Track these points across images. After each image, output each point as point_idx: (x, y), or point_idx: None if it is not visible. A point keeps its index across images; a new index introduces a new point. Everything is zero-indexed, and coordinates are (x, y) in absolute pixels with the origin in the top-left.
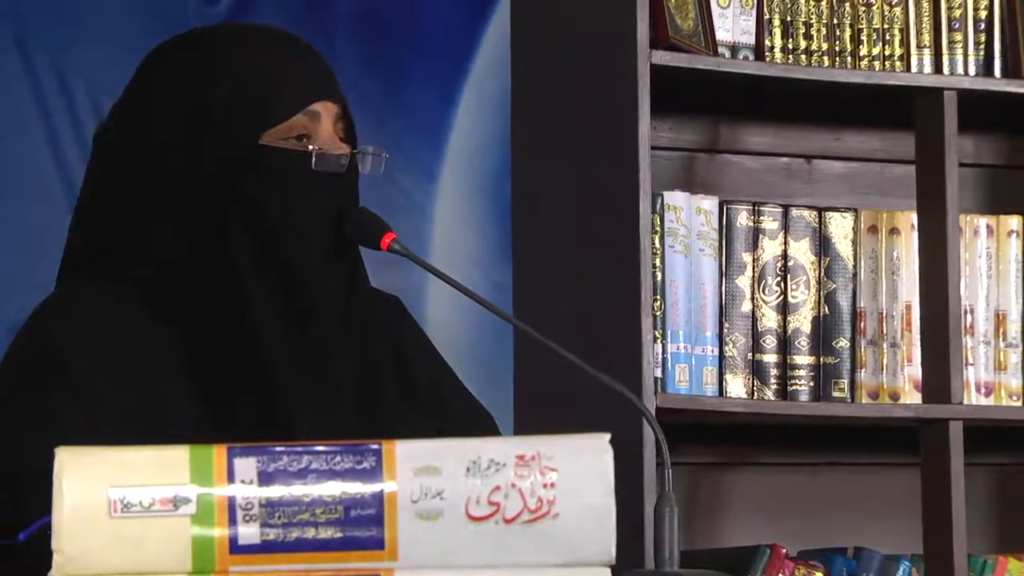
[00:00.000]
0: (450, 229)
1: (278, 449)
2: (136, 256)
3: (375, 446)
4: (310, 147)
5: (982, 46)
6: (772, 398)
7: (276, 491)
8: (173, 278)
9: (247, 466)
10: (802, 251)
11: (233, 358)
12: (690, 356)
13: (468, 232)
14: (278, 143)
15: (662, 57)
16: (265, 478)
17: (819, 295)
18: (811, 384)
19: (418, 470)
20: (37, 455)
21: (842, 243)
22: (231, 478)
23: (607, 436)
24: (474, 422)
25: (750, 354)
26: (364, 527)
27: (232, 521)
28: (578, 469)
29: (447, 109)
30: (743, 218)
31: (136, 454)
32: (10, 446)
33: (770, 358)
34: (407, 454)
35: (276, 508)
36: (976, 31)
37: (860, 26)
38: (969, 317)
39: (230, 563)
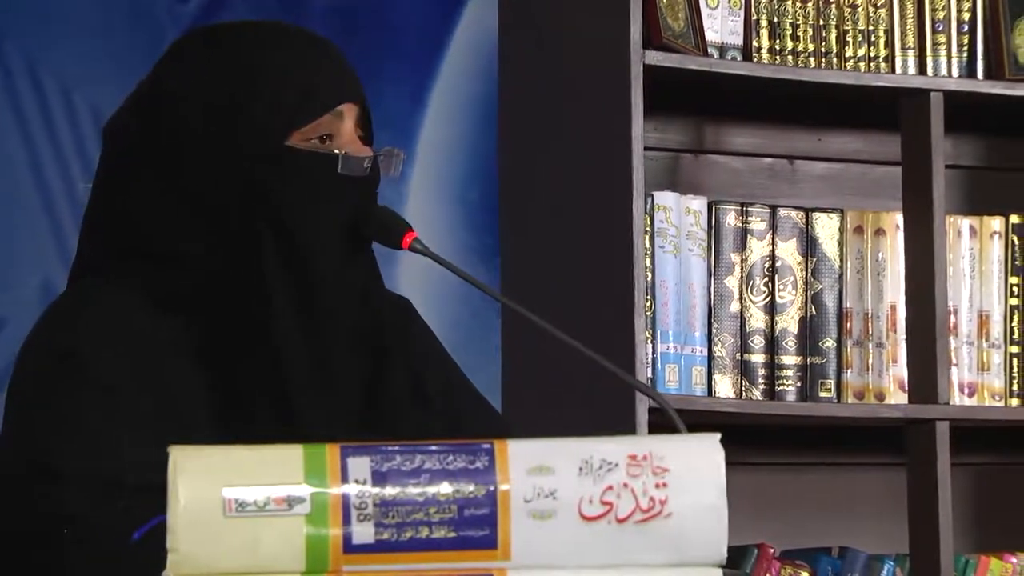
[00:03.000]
0: (419, 228)
1: (391, 448)
2: (153, 256)
3: (487, 445)
4: (336, 151)
5: (965, 48)
6: (760, 398)
7: (390, 490)
8: (191, 278)
9: (360, 465)
10: (789, 251)
11: (250, 358)
12: (679, 356)
13: (438, 231)
14: (303, 144)
15: (655, 57)
16: (379, 478)
17: (806, 295)
18: (798, 384)
19: (531, 470)
20: (59, 455)
21: (828, 244)
22: (345, 477)
23: (718, 436)
24: (488, 425)
25: (738, 354)
26: (477, 527)
27: (346, 521)
28: (690, 469)
29: (417, 108)
30: (731, 218)
31: (249, 453)
32: (33, 446)
33: (758, 358)
34: (520, 454)
35: (390, 507)
36: (959, 33)
37: (846, 27)
38: (952, 318)
39: (344, 563)
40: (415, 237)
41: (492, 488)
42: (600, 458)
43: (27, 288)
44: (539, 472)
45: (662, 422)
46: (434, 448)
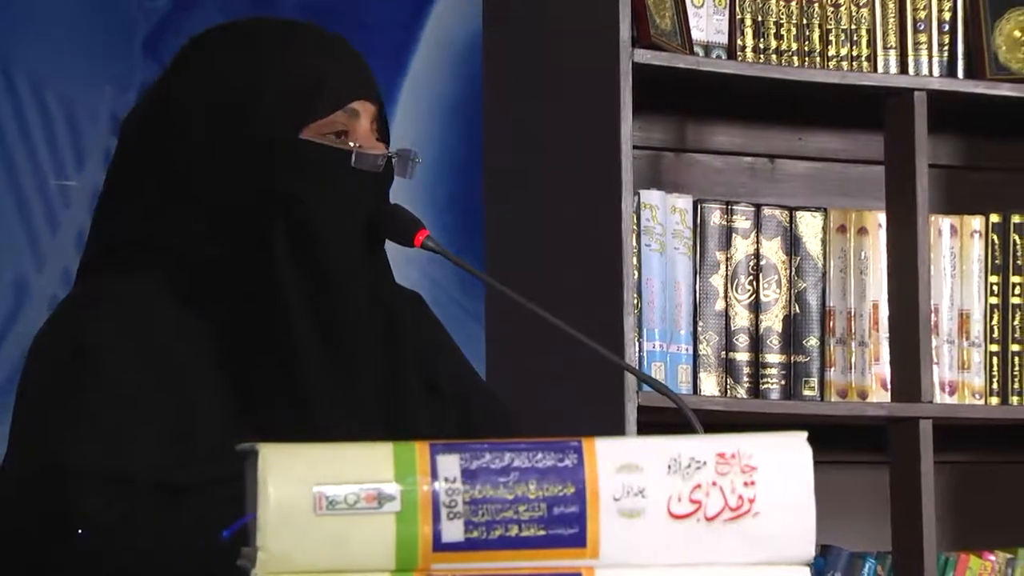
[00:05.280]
0: None
1: (480, 446)
2: (166, 250)
3: (575, 443)
4: (351, 144)
5: (946, 47)
6: (744, 396)
7: (480, 488)
8: (204, 272)
9: (450, 463)
10: (773, 250)
11: (266, 355)
12: (665, 354)
13: None
14: (317, 139)
15: (644, 56)
16: (468, 475)
17: (790, 294)
18: (782, 383)
19: (620, 468)
20: (75, 454)
21: (812, 242)
22: (435, 475)
23: (804, 434)
24: (497, 420)
25: (723, 352)
26: (566, 525)
27: (436, 519)
28: (778, 467)
29: (385, 106)
30: (716, 217)
31: (339, 451)
32: (48, 445)
33: (742, 356)
34: (608, 451)
35: (480, 506)
36: (940, 32)
37: (828, 26)
38: (933, 316)
39: (433, 561)
40: (427, 235)
41: (581, 486)
42: (689, 456)
43: None
44: (628, 470)
45: (650, 421)
46: (523, 446)
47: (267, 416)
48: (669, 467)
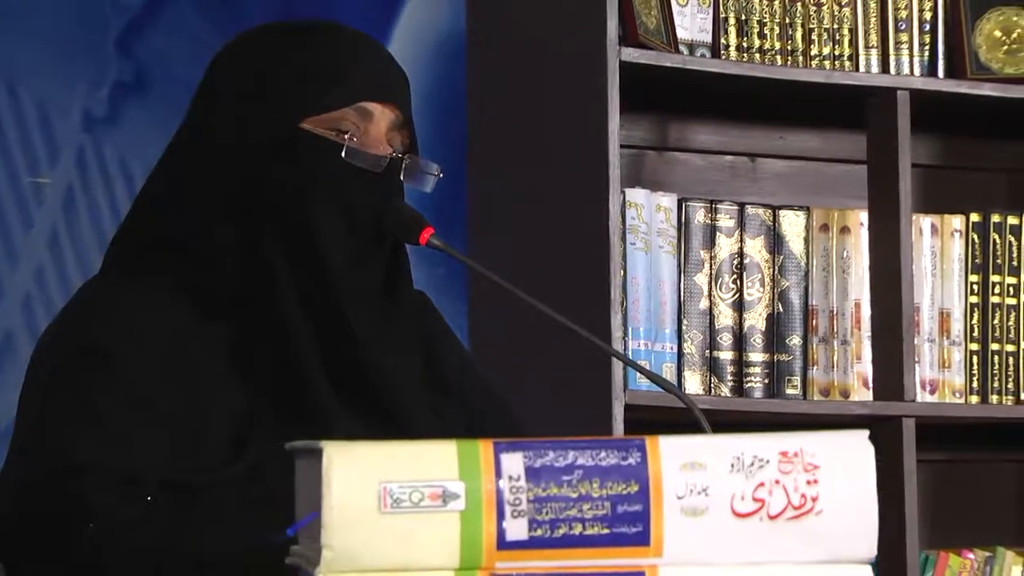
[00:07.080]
0: None
1: (544, 444)
2: (177, 250)
3: (639, 441)
4: (345, 137)
5: (927, 47)
6: (728, 395)
7: (544, 487)
8: (215, 270)
9: (514, 461)
10: (757, 249)
11: (275, 353)
12: (650, 353)
13: None
14: (315, 129)
15: (631, 54)
16: (532, 474)
17: (773, 293)
18: (765, 381)
19: (683, 466)
20: (84, 454)
21: (795, 241)
22: (499, 474)
23: (866, 433)
24: (499, 417)
25: (707, 351)
26: (630, 523)
27: (500, 517)
28: (840, 466)
29: None
30: (700, 216)
31: (403, 449)
32: (58, 445)
33: (726, 355)
34: (671, 450)
35: (544, 504)
36: (921, 32)
37: (811, 26)
38: (915, 315)
39: (497, 559)
40: (432, 232)
41: (645, 484)
42: (752, 454)
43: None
44: (691, 468)
45: (638, 419)
46: (585, 444)
47: (279, 416)
48: (732, 465)
